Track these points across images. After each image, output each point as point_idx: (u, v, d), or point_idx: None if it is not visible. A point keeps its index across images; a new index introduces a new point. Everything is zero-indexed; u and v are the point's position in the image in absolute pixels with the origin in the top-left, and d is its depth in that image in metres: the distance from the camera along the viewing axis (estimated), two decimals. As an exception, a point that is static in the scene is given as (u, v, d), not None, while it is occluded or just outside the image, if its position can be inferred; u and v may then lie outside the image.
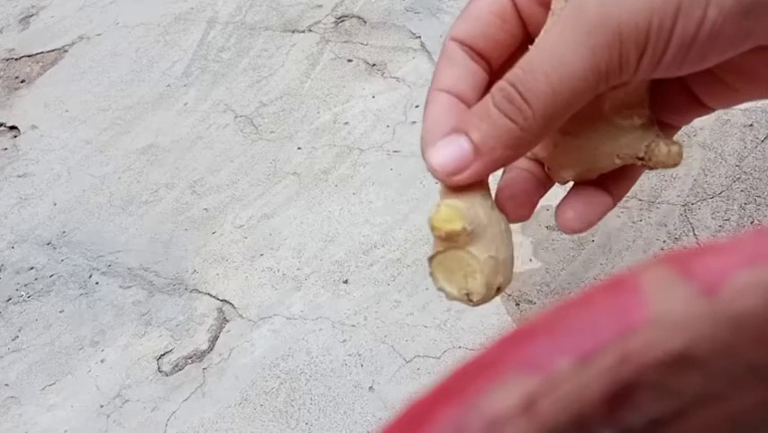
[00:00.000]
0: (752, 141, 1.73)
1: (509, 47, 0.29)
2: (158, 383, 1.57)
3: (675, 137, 0.30)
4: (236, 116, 2.14)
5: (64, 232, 1.93)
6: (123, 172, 2.06)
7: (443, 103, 0.28)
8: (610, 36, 0.24)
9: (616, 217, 1.63)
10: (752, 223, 1.59)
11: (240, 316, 1.64)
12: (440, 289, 0.28)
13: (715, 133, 1.76)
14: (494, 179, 0.28)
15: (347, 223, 1.77)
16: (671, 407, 0.14)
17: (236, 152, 2.03)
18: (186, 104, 2.22)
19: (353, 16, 2.37)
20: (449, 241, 0.27)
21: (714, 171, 1.69)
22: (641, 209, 1.65)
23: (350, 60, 2.22)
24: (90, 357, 1.64)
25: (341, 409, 1.44)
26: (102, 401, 1.56)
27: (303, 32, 2.36)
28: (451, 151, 0.26)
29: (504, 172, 0.31)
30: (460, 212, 0.26)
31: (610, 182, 0.30)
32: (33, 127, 2.27)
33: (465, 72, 0.29)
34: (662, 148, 0.28)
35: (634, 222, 1.63)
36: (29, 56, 2.54)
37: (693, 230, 1.59)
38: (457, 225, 0.26)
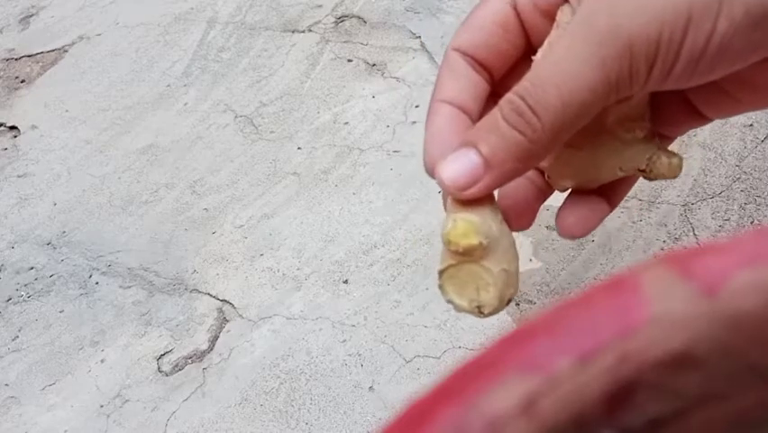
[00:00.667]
0: (752, 141, 1.73)
1: (512, 57, 0.29)
2: (158, 383, 1.57)
3: (674, 141, 0.31)
4: (236, 116, 2.14)
5: (64, 232, 1.93)
6: (123, 172, 2.06)
7: (445, 114, 0.28)
8: (621, 48, 0.23)
9: (616, 217, 1.63)
10: (752, 223, 1.59)
11: (240, 316, 1.64)
12: (449, 301, 0.28)
13: (715, 133, 1.76)
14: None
15: (347, 223, 1.77)
16: (671, 407, 0.14)
17: (236, 152, 2.03)
18: (186, 104, 2.22)
19: (353, 16, 2.37)
20: (464, 255, 0.27)
21: (714, 171, 1.69)
22: (641, 209, 1.65)
23: (350, 60, 2.21)
24: (90, 357, 1.64)
25: (341, 409, 1.44)
26: (102, 401, 1.56)
27: (303, 32, 2.36)
28: (461, 165, 0.26)
29: None
30: (475, 227, 0.26)
31: (608, 189, 0.31)
32: (33, 127, 2.27)
33: (467, 83, 0.29)
34: (663, 161, 0.28)
35: (634, 222, 1.63)
36: (29, 56, 2.54)
37: (693, 230, 1.59)
38: (474, 240, 0.26)
